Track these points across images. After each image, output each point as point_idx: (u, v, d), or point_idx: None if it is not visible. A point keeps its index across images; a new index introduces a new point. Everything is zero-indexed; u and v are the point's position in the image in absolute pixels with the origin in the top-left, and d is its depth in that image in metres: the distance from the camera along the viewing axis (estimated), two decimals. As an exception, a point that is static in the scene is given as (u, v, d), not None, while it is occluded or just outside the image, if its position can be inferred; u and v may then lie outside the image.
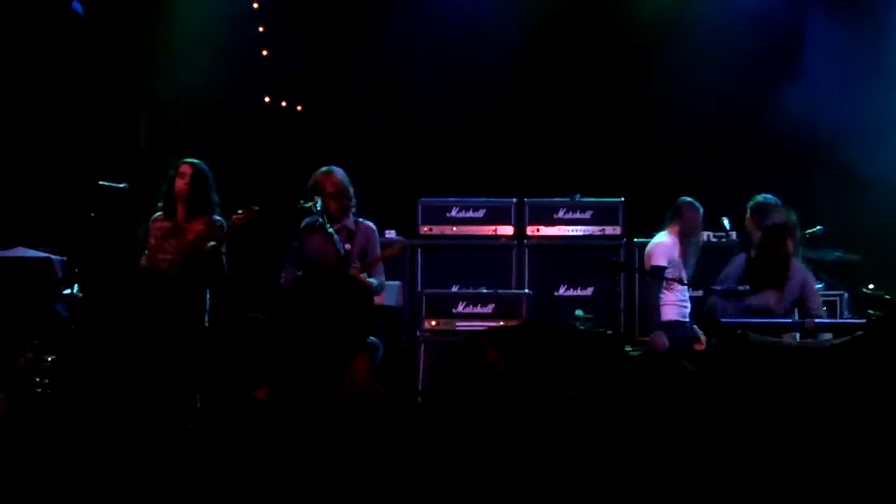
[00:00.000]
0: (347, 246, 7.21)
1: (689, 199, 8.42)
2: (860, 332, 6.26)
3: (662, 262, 8.12)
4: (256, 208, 7.10)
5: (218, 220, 7.24)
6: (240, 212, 7.10)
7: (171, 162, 7.40)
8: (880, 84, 9.69)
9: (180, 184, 7.23)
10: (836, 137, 9.58)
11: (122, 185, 7.46)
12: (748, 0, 9.84)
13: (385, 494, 2.63)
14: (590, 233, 9.50)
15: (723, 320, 6.82)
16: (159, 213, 7.33)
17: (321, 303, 2.72)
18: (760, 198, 7.96)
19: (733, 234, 8.68)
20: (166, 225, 7.26)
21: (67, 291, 7.27)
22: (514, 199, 9.55)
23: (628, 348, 7.33)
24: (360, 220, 7.45)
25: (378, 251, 7.46)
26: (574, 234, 9.52)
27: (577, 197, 9.56)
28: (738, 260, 7.54)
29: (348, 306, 2.72)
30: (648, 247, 8.33)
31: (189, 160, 7.34)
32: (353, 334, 2.73)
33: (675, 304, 8.15)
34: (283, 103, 10.22)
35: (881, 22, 9.66)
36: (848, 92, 9.64)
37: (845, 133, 9.57)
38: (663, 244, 8.21)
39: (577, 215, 9.55)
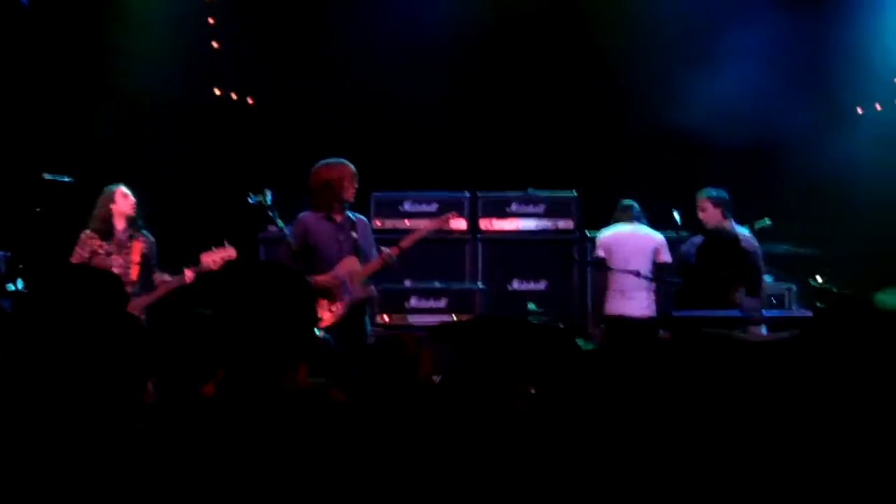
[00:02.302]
0: (355, 234, 7.12)
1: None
2: (805, 325, 6.29)
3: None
4: (233, 250, 7.29)
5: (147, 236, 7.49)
6: (215, 258, 7.25)
7: (127, 155, 7.40)
8: (831, 82, 9.80)
9: (128, 204, 7.42)
10: (786, 133, 9.68)
11: (67, 179, 7.41)
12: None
13: (334, 490, 2.61)
14: (543, 227, 9.52)
15: (674, 313, 6.83)
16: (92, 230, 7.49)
17: (260, 298, 2.69)
18: (712, 190, 8.02)
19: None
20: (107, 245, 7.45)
21: (11, 287, 7.18)
22: (468, 193, 9.55)
23: (580, 342, 7.32)
24: (356, 214, 7.35)
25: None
26: (527, 227, 9.52)
27: (530, 190, 9.57)
28: (679, 256, 7.59)
29: (288, 301, 2.69)
30: (656, 240, 8.43)
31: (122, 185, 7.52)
32: (296, 329, 2.70)
33: None
34: (234, 96, 10.13)
35: (834, 22, 9.76)
36: (800, 89, 9.75)
37: (795, 129, 9.68)
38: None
39: (531, 209, 9.57)
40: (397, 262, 7.19)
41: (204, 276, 7.20)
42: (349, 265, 6.99)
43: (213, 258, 7.20)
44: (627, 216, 8.49)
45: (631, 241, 8.38)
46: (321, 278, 6.83)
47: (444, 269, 9.19)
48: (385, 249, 7.11)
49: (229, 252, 7.24)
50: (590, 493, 2.96)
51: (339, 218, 7.11)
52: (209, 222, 7.85)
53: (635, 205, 8.60)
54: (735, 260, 6.86)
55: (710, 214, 7.92)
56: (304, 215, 7.16)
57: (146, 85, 9.59)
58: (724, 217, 7.88)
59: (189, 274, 7.18)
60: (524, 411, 3.31)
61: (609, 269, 8.29)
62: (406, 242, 7.20)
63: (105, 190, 7.47)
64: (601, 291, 8.49)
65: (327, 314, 6.88)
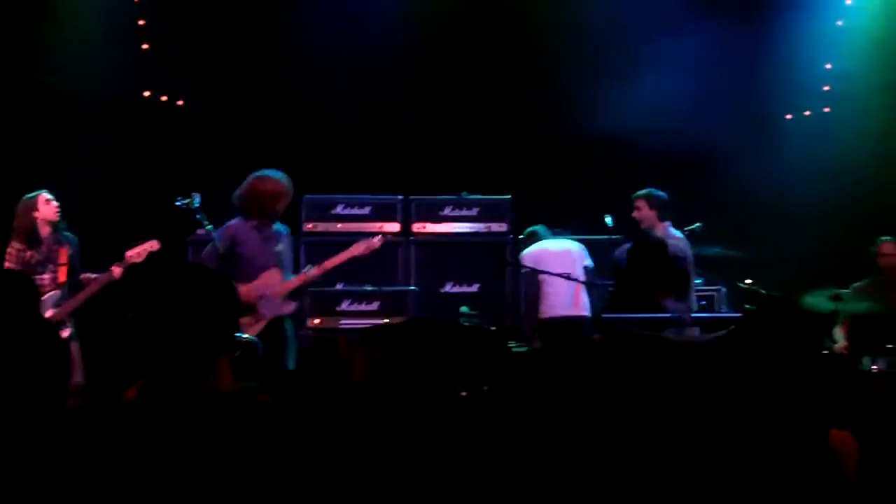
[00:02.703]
0: (280, 247, 7.16)
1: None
2: (733, 326, 6.36)
3: None
4: (156, 242, 7.18)
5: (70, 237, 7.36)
6: (139, 251, 7.16)
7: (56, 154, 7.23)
8: (762, 89, 9.93)
9: (52, 210, 7.29)
10: (717, 138, 9.79)
11: None
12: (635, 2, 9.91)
13: (258, 492, 2.57)
14: (476, 230, 9.51)
15: (604, 315, 6.87)
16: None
17: (184, 300, 2.64)
18: (650, 191, 8.08)
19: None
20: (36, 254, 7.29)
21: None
22: (401, 197, 9.51)
23: (512, 344, 7.34)
24: (282, 226, 7.35)
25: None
26: (460, 230, 9.51)
27: (464, 194, 9.57)
28: (614, 261, 7.60)
29: (211, 303, 2.65)
30: (577, 248, 8.61)
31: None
32: (218, 331, 2.66)
33: None
34: (164, 98, 9.99)
35: (765, 30, 9.87)
36: (731, 95, 9.86)
37: (726, 134, 9.80)
38: None
39: (464, 212, 9.55)
40: (320, 280, 7.31)
41: (131, 269, 7.13)
42: (271, 277, 7.03)
43: (137, 251, 7.16)
44: (536, 240, 8.66)
45: (555, 251, 8.53)
46: (243, 290, 6.81)
47: (376, 271, 9.10)
48: (308, 269, 7.18)
49: (152, 244, 7.17)
50: (522, 493, 2.95)
51: (267, 229, 7.15)
52: (138, 224, 7.71)
53: (539, 229, 8.80)
54: (661, 264, 6.93)
55: (644, 214, 7.96)
56: (235, 222, 7.17)
57: (75, 83, 9.43)
58: (660, 219, 7.91)
59: (116, 270, 7.10)
60: (455, 413, 3.29)
61: (542, 272, 8.36)
62: (330, 263, 7.25)
63: (26, 198, 7.34)
64: (534, 299, 8.56)
65: (249, 330, 6.89)
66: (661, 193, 7.98)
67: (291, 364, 6.93)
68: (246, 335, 6.43)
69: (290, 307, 7.16)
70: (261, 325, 6.93)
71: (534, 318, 8.59)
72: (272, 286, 6.99)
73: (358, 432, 2.98)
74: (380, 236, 7.66)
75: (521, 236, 9.05)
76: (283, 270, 7.12)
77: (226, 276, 2.74)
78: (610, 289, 7.63)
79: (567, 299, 8.44)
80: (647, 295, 7.02)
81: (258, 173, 7.20)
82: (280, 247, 7.11)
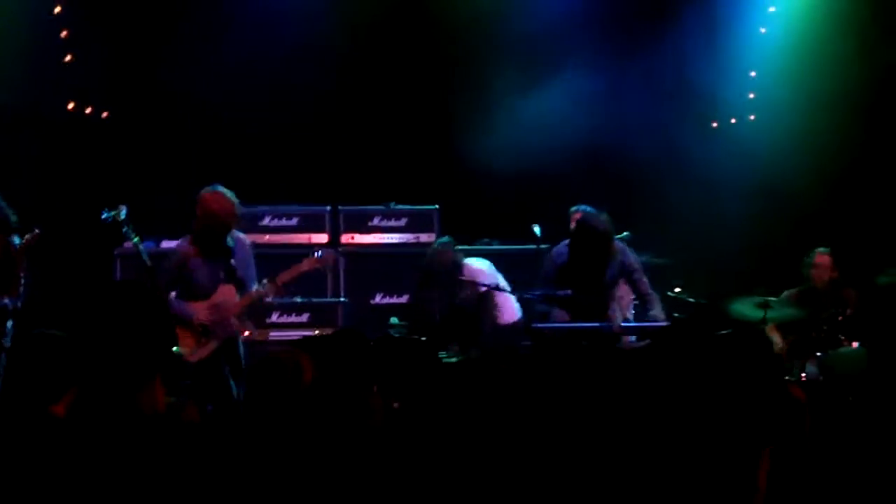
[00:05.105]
0: (233, 260, 6.89)
1: None
2: (662, 333, 6.48)
3: None
4: (37, 231, 6.93)
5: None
6: (24, 238, 6.94)
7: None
8: (686, 99, 10.04)
9: None
10: (642, 147, 9.89)
11: None
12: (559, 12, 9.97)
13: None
14: (405, 240, 9.51)
15: (533, 325, 6.92)
16: None
17: (117, 317, 2.61)
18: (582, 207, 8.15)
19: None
20: None
21: None
22: (329, 207, 9.47)
23: (442, 355, 7.35)
24: (235, 232, 7.04)
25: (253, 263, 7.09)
26: (389, 241, 9.51)
27: (392, 204, 9.56)
28: (550, 260, 7.62)
29: (145, 320, 2.62)
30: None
31: None
32: (151, 348, 2.63)
33: None
34: (88, 110, 9.85)
35: (689, 39, 9.98)
36: (656, 104, 9.96)
37: (651, 143, 9.89)
38: None
39: (392, 223, 9.56)
40: (274, 297, 7.07)
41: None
42: (224, 295, 6.85)
43: (22, 245, 6.92)
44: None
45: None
46: (201, 314, 6.73)
47: (305, 283, 8.99)
48: (260, 287, 6.92)
49: (29, 239, 6.92)
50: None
51: (217, 249, 6.90)
52: (63, 238, 7.56)
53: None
54: (605, 247, 7.04)
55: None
56: (182, 246, 7.02)
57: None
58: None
59: None
60: (379, 425, 3.29)
61: (481, 285, 8.32)
62: (284, 278, 7.00)
63: None
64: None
65: (201, 350, 6.73)
66: (598, 211, 8.02)
67: (235, 389, 6.68)
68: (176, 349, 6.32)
69: (245, 327, 6.99)
70: (212, 347, 6.78)
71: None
72: (226, 303, 6.82)
73: (285, 443, 2.97)
74: (331, 253, 7.58)
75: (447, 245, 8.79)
76: (243, 284, 6.89)
77: (156, 292, 2.72)
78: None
79: (502, 304, 8.40)
80: (594, 275, 7.09)
81: (206, 189, 6.97)
82: (233, 262, 6.87)
